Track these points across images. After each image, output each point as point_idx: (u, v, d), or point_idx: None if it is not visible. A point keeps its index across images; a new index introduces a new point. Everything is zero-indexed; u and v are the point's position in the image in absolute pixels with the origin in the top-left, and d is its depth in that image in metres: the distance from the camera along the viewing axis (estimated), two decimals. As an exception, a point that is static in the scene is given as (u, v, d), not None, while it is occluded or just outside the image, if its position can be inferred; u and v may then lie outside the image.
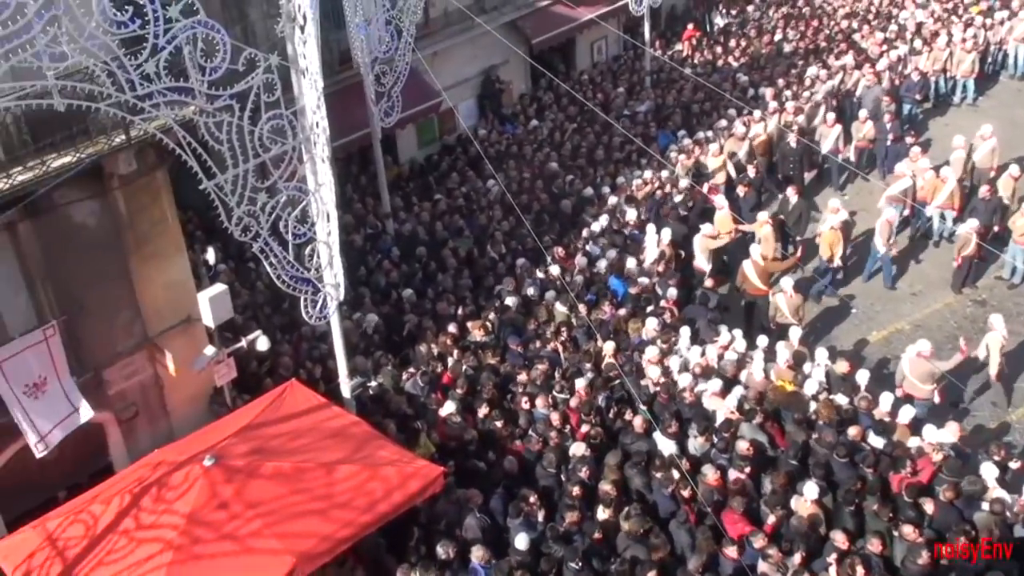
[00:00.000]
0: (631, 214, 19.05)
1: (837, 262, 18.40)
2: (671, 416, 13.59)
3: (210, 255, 16.80)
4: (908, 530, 11.49)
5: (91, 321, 12.59)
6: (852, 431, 13.30)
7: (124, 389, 13.26)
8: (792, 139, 20.65)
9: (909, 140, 21.18)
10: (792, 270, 18.27)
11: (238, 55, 9.59)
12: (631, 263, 17.60)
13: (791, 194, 19.52)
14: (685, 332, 15.77)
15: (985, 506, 12.06)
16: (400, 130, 21.32)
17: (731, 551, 11.40)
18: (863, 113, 22.04)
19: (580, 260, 17.64)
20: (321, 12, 14.87)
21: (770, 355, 15.36)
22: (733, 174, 20.64)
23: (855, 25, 28.45)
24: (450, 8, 22.42)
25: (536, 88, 25.59)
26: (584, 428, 13.61)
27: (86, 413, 12.21)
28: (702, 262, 18.27)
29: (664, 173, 20.69)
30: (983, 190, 18.92)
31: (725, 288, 18.72)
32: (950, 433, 13.33)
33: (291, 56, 10.87)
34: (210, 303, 12.71)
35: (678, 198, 19.80)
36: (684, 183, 20.34)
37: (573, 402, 14.07)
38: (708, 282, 17.77)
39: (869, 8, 29.95)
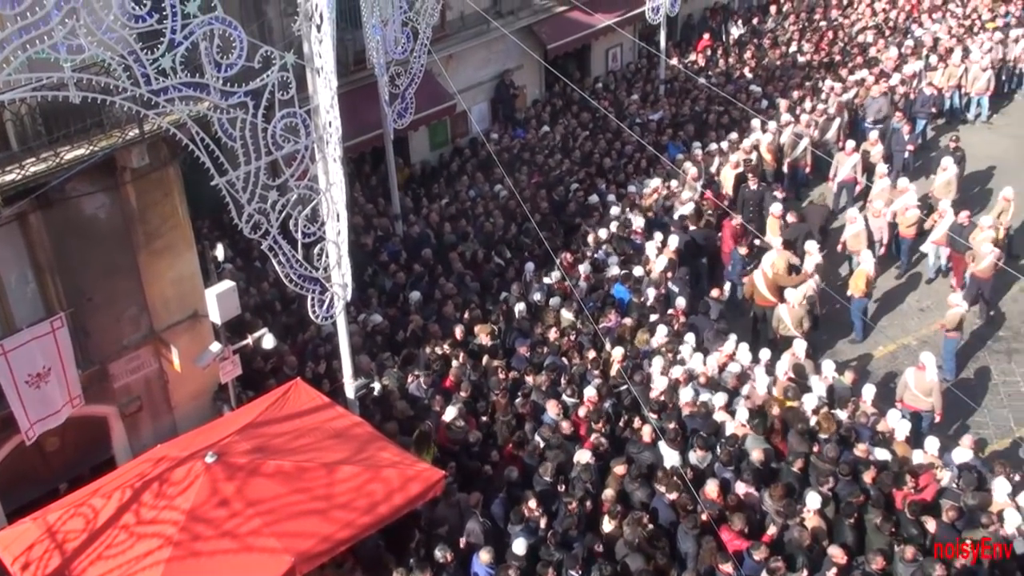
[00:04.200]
0: (638, 222, 18.99)
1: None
2: (675, 427, 13.53)
3: (219, 252, 16.80)
4: (909, 552, 11.44)
5: (98, 314, 12.61)
6: (859, 448, 13.24)
7: (128, 383, 13.27)
8: (752, 183, 20.27)
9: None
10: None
11: (254, 52, 9.60)
12: (636, 271, 17.55)
13: (791, 219, 19.12)
14: (690, 339, 15.74)
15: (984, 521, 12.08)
16: (412, 132, 21.31)
17: (727, 567, 11.35)
18: (874, 135, 21.94)
19: (584, 267, 17.60)
20: (338, 12, 15.01)
21: (773, 368, 15.30)
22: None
23: (870, 39, 28.40)
24: (467, 11, 22.43)
25: (550, 94, 25.58)
26: (592, 437, 13.57)
27: (66, 413, 12.14)
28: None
29: (673, 182, 20.65)
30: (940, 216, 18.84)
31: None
32: (966, 448, 13.32)
33: (306, 55, 10.90)
34: (217, 299, 12.70)
35: (686, 209, 19.67)
36: (687, 194, 20.25)
37: (582, 411, 14.00)
38: (714, 292, 17.70)
39: (886, 22, 29.89)
